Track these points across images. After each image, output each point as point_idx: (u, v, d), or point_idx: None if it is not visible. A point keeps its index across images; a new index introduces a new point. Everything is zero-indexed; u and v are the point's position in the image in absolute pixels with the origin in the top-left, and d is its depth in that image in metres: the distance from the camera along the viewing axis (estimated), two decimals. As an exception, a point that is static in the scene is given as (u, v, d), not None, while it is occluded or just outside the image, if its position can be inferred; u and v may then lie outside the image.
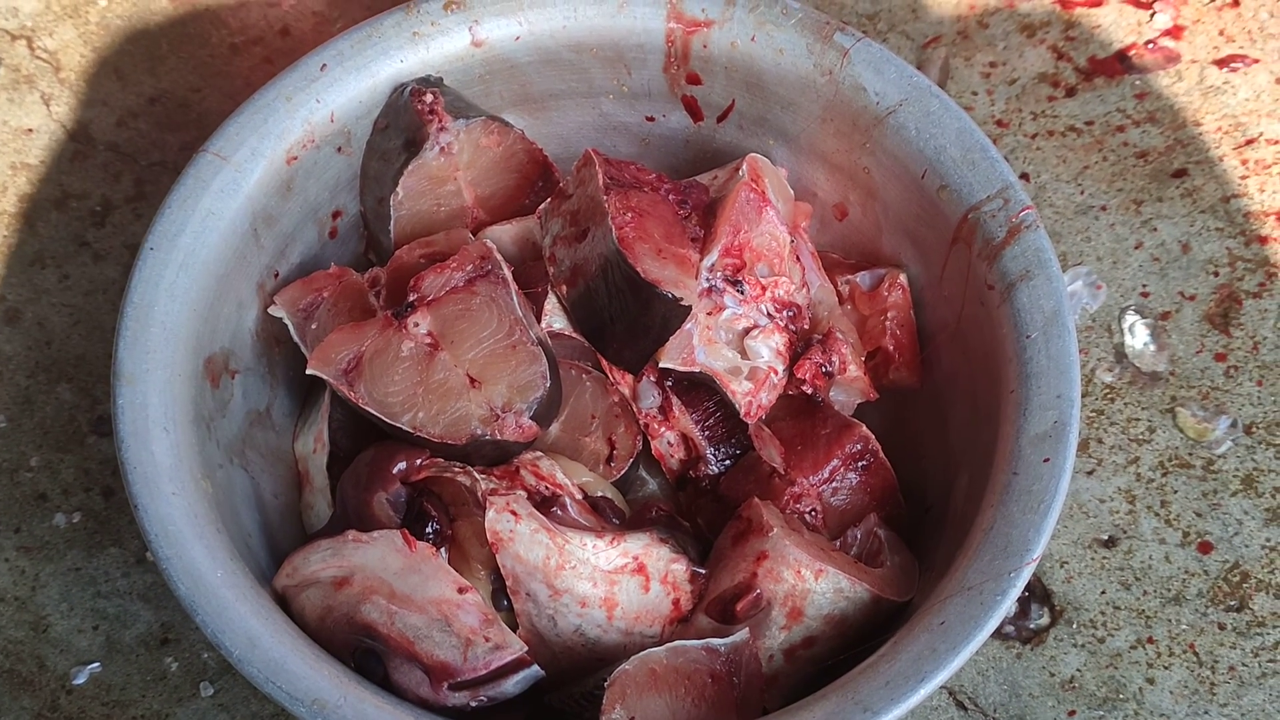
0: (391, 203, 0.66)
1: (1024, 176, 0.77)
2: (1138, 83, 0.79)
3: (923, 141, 0.64)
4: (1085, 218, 0.75)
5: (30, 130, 0.79)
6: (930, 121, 0.64)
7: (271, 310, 0.65)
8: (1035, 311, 0.60)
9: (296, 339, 0.64)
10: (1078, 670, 0.65)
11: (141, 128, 0.80)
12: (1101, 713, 0.64)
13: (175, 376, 0.60)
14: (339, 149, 0.67)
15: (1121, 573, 0.67)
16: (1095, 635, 0.66)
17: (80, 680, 0.66)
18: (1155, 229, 0.75)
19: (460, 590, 0.56)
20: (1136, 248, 0.74)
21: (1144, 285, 0.73)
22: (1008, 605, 0.53)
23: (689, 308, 0.60)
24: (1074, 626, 0.66)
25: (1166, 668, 0.65)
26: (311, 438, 0.65)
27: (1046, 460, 0.56)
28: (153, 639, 0.67)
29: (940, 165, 0.64)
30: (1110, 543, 0.67)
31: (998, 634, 0.66)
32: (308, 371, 0.61)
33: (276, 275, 0.66)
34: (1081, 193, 0.76)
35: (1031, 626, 0.66)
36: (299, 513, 0.66)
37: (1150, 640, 0.65)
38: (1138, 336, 0.72)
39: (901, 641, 0.54)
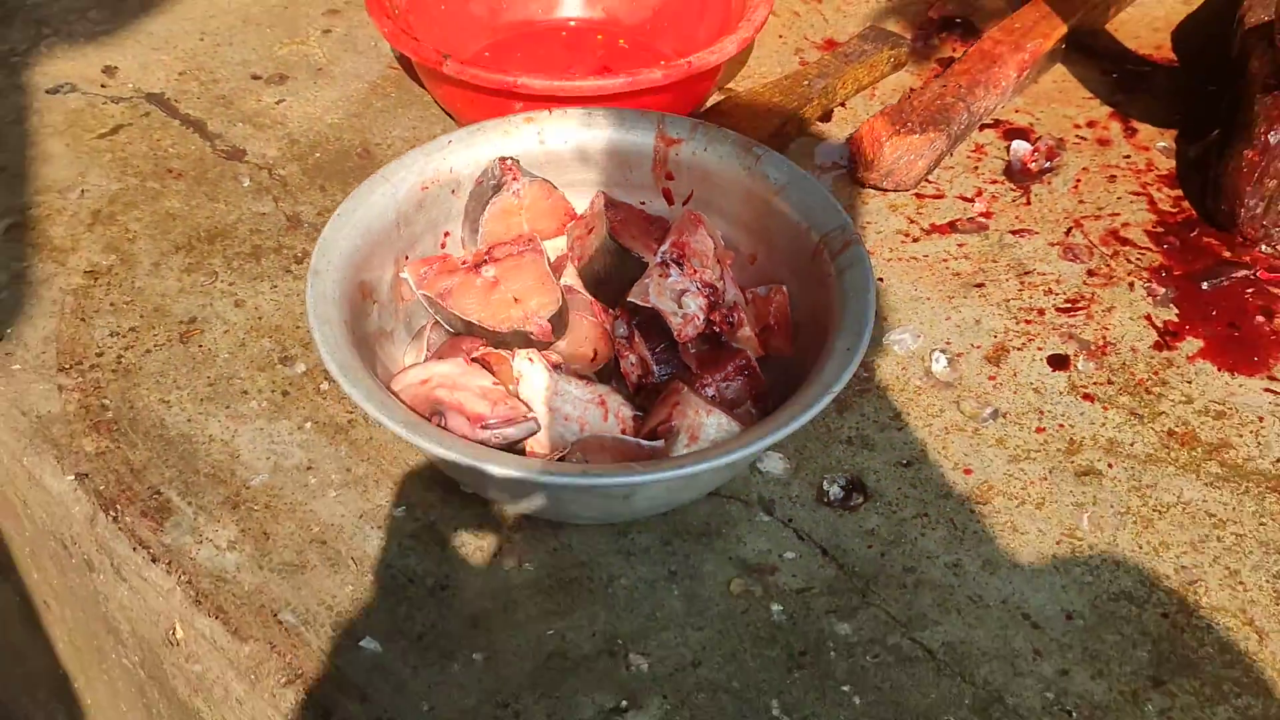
0: (481, 223, 1.03)
1: (880, 279, 1.13)
2: (960, 238, 1.16)
3: (803, 208, 1.01)
4: (916, 303, 1.11)
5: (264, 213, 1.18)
6: (805, 192, 1.01)
7: (402, 274, 1.01)
8: (853, 283, 0.94)
9: (415, 291, 1.00)
10: (876, 526, 0.96)
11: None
12: (888, 547, 0.95)
13: (342, 279, 0.94)
14: (453, 191, 1.03)
15: (913, 480, 0.99)
16: (891, 510, 0.97)
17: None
18: (960, 310, 1.10)
19: (494, 382, 0.90)
20: (946, 319, 1.10)
21: (948, 339, 1.08)
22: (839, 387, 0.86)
23: (646, 264, 0.96)
24: (878, 504, 0.97)
25: (934, 529, 0.96)
26: (415, 351, 1.00)
27: (849, 349, 0.90)
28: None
29: (810, 215, 1.00)
30: (908, 464, 1.00)
31: (829, 504, 0.97)
32: (418, 292, 0.97)
33: (406, 258, 1.03)
34: (915, 291, 1.12)
35: (850, 504, 0.98)
36: (400, 394, 1.00)
37: (925, 515, 0.97)
38: (939, 364, 1.06)
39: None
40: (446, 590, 0.91)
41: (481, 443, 0.86)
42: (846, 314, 0.92)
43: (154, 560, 0.93)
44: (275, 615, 0.90)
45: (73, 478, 0.98)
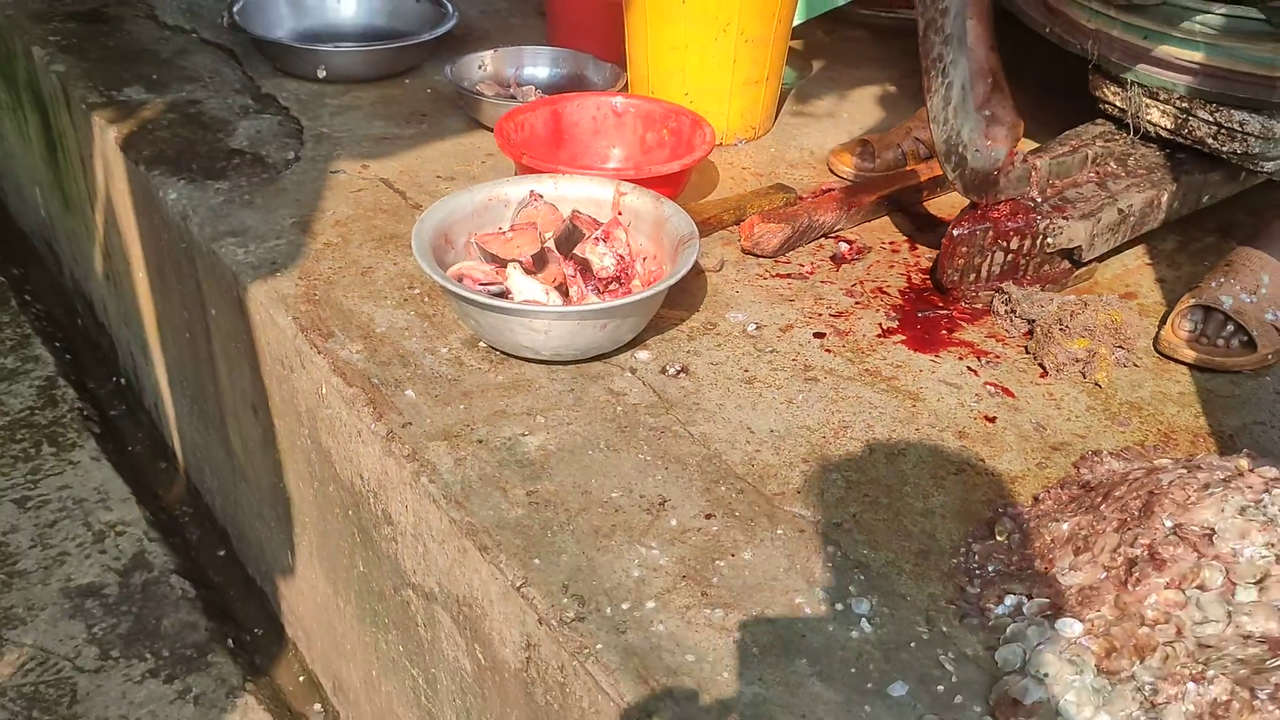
0: (515, 221, 1.52)
1: (737, 292, 1.57)
2: (790, 281, 1.60)
3: (677, 226, 1.48)
4: (752, 304, 1.55)
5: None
6: (680, 218, 1.48)
7: (471, 240, 1.51)
8: (685, 254, 1.40)
9: (474, 243, 1.49)
10: (686, 385, 1.39)
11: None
12: (689, 394, 1.37)
13: (434, 231, 1.43)
14: (505, 205, 1.53)
15: (716, 371, 1.41)
16: (698, 380, 1.39)
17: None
18: (775, 309, 1.53)
19: (493, 271, 1.38)
20: (765, 312, 1.52)
21: (761, 320, 1.51)
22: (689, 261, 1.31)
23: (584, 233, 1.43)
24: (693, 378, 1.40)
25: (717, 390, 1.37)
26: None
27: (670, 279, 1.35)
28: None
29: (679, 228, 1.46)
30: (716, 364, 1.42)
31: (666, 374, 1.40)
32: (474, 241, 1.46)
33: (474, 234, 1.52)
34: (753, 299, 1.56)
35: (677, 376, 1.40)
36: (457, 295, 1.48)
37: (714, 385, 1.39)
38: (751, 327, 1.49)
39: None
40: (456, 382, 1.37)
41: (478, 291, 1.34)
42: (676, 265, 1.37)
43: (319, 353, 1.42)
44: (369, 379, 1.37)
45: (291, 318, 1.48)
